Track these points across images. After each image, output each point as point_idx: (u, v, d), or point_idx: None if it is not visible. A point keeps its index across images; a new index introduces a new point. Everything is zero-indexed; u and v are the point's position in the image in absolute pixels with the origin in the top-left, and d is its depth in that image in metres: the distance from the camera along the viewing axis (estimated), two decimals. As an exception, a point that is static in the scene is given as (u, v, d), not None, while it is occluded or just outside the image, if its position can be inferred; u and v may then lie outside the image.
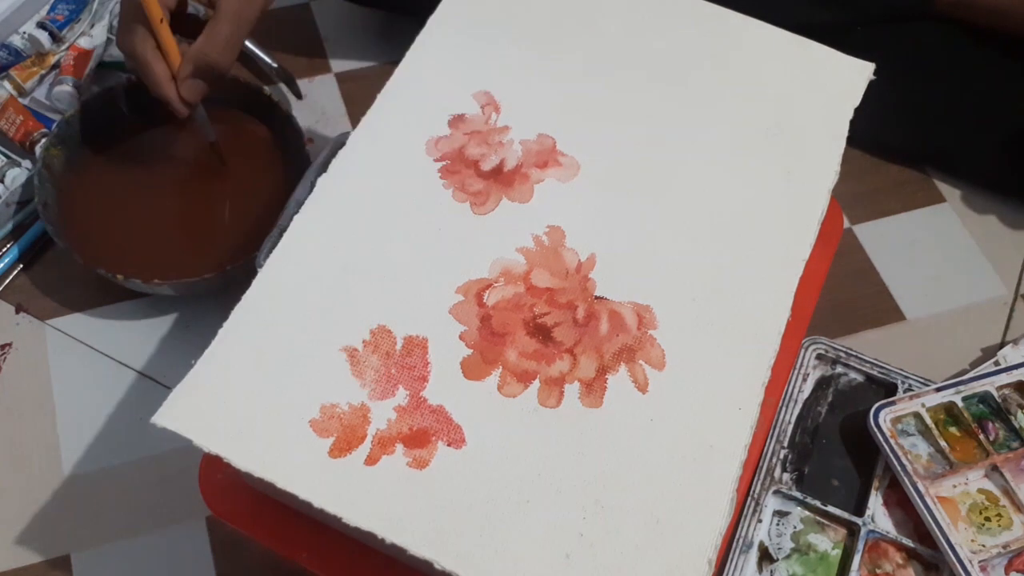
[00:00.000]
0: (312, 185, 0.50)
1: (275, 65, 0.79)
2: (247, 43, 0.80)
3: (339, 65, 0.82)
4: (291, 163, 0.72)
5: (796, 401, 0.61)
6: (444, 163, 0.51)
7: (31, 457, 0.62)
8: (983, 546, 0.56)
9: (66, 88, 0.73)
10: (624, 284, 0.48)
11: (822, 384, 0.63)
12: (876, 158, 0.78)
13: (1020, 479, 0.59)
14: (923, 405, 0.60)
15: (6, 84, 0.74)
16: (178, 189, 0.70)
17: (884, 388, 0.63)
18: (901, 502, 0.58)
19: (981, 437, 0.59)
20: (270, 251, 0.48)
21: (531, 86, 0.54)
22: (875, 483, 0.58)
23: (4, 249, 0.69)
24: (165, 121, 0.73)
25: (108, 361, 0.66)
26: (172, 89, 0.62)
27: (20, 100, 0.74)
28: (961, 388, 0.61)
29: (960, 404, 0.60)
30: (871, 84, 0.55)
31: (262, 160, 0.72)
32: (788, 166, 0.52)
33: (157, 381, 0.65)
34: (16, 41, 0.77)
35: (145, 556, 0.59)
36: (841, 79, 0.55)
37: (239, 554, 0.59)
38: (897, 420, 0.60)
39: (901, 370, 0.62)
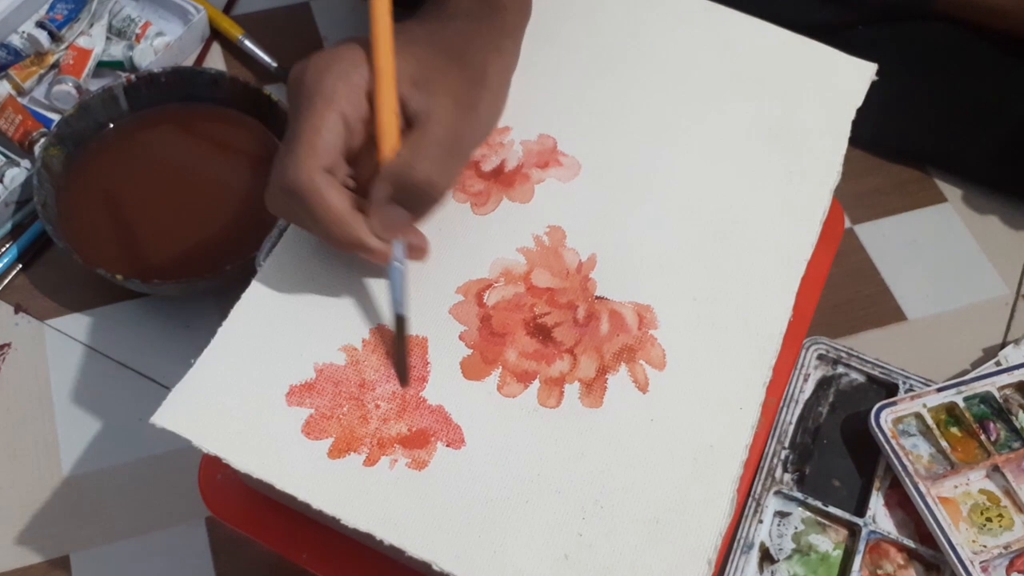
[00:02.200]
0: (312, 185, 0.50)
1: (275, 65, 0.79)
2: (247, 43, 0.79)
3: (339, 65, 0.81)
4: (291, 163, 0.71)
5: (797, 401, 0.61)
6: (444, 163, 0.51)
7: (31, 457, 0.62)
8: (984, 547, 0.56)
9: (65, 87, 0.73)
10: (625, 284, 0.48)
11: (823, 384, 0.63)
12: (877, 158, 0.78)
13: (1021, 479, 0.58)
14: (924, 405, 0.60)
15: (5, 83, 0.74)
16: (178, 189, 0.70)
17: (885, 388, 0.62)
18: (902, 503, 0.58)
19: (982, 437, 0.59)
20: (270, 251, 0.48)
21: (531, 86, 0.54)
22: (876, 483, 0.58)
23: (3, 249, 0.69)
24: (164, 121, 0.73)
25: (108, 361, 0.66)
26: (358, 224, 0.41)
27: (19, 99, 0.74)
28: (962, 388, 0.61)
29: (961, 404, 0.60)
30: (873, 83, 0.55)
31: (262, 160, 0.72)
32: (790, 166, 0.52)
33: (157, 381, 0.65)
34: (15, 40, 0.77)
35: (145, 556, 0.59)
36: (843, 79, 0.55)
37: (239, 554, 0.59)
38: (898, 420, 0.60)
39: (902, 370, 0.62)
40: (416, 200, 0.43)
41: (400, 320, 0.44)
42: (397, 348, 0.44)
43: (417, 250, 0.45)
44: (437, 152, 0.42)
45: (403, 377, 0.44)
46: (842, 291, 0.71)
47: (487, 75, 0.45)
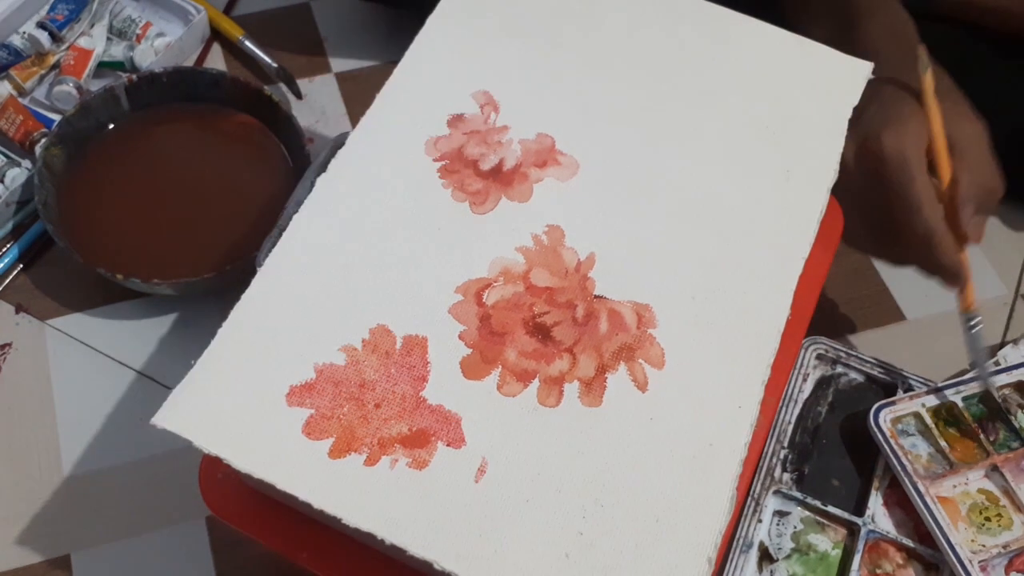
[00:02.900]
0: (312, 185, 0.50)
1: (275, 65, 0.79)
2: (247, 43, 0.80)
3: (339, 65, 0.82)
4: (291, 163, 0.72)
5: (796, 401, 0.61)
6: (443, 163, 0.51)
7: (31, 457, 0.62)
8: (983, 546, 0.56)
9: (66, 88, 0.73)
10: (623, 283, 0.48)
11: (822, 384, 0.63)
12: (876, 158, 0.78)
13: (1020, 479, 0.59)
14: (923, 405, 0.60)
15: (6, 84, 0.74)
16: (178, 189, 0.70)
17: (884, 388, 0.63)
18: (901, 502, 0.58)
19: (981, 437, 0.59)
20: (270, 251, 0.48)
21: (530, 85, 0.54)
22: (875, 483, 0.58)
23: (4, 249, 0.69)
24: (165, 121, 0.73)
25: (108, 361, 0.66)
26: (941, 226, 0.52)
27: (20, 100, 0.74)
28: (961, 388, 0.61)
29: (960, 404, 0.60)
30: (871, 83, 0.55)
31: (262, 160, 0.72)
32: (787, 165, 0.52)
33: (157, 381, 0.65)
34: (16, 41, 0.77)
35: (145, 556, 0.59)
36: (839, 78, 0.55)
37: (239, 554, 0.59)
38: (897, 420, 0.60)
39: (901, 370, 0.62)
40: (991, 205, 0.54)
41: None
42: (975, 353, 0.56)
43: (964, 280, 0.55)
44: (985, 165, 0.54)
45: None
46: (841, 291, 0.71)
47: (955, 90, 0.58)
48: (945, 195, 0.53)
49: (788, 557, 0.57)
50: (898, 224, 0.53)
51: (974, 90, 0.75)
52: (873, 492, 0.58)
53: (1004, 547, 0.56)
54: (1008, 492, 0.58)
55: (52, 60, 0.76)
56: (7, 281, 0.69)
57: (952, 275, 0.53)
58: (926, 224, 0.52)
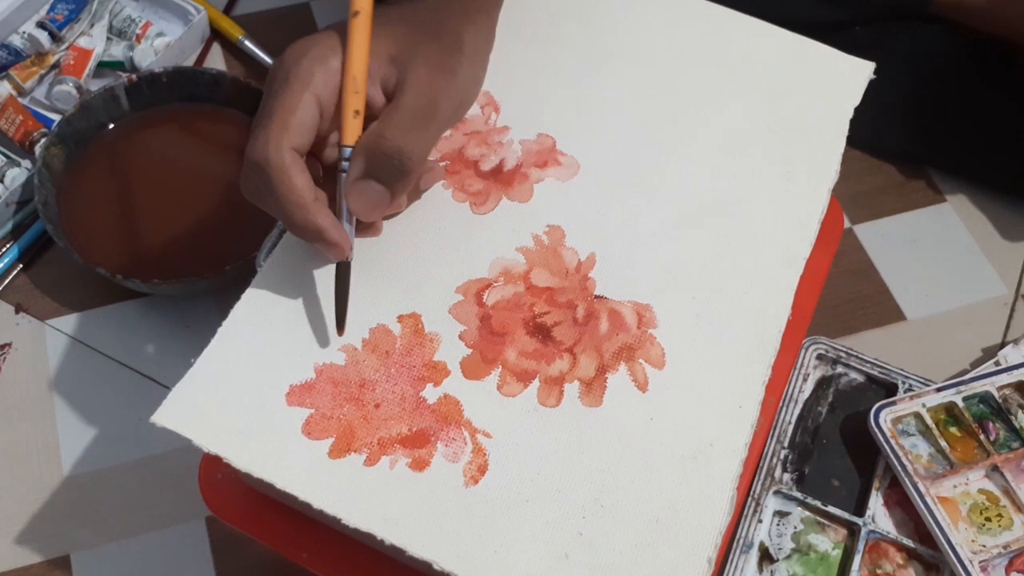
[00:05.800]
0: (312, 185, 0.50)
1: (275, 65, 0.79)
2: (247, 43, 0.80)
3: (339, 65, 0.82)
4: (291, 163, 0.71)
5: (796, 401, 0.61)
6: (444, 163, 0.51)
7: (31, 457, 0.62)
8: (984, 546, 0.56)
9: (66, 88, 0.73)
10: (624, 283, 0.48)
11: (822, 384, 0.63)
12: (876, 158, 0.78)
13: (1021, 479, 0.58)
14: (924, 405, 0.60)
15: (6, 84, 0.74)
16: (178, 189, 0.70)
17: (885, 388, 0.63)
18: (901, 502, 0.58)
19: (982, 437, 0.59)
20: (270, 251, 0.48)
21: (530, 86, 0.54)
22: (875, 483, 0.58)
23: (4, 249, 0.69)
24: (165, 121, 0.73)
25: (108, 361, 0.66)
26: (320, 212, 0.42)
27: (20, 100, 0.74)
28: (962, 388, 0.61)
29: (961, 404, 0.60)
30: (871, 84, 0.55)
31: (262, 160, 0.72)
32: (788, 165, 0.52)
33: (157, 381, 0.65)
34: (16, 41, 0.77)
35: (145, 556, 0.59)
36: (841, 78, 0.55)
37: (239, 554, 0.59)
38: (897, 420, 0.60)
39: (902, 370, 0.62)
40: (388, 172, 0.42)
41: (342, 267, 0.44)
42: (339, 295, 0.44)
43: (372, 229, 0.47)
44: (407, 120, 0.42)
45: (341, 324, 0.44)
46: (841, 291, 0.71)
47: (463, 42, 0.45)
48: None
49: (788, 557, 0.57)
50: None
51: (975, 90, 0.75)
52: (873, 492, 0.58)
53: (1004, 547, 0.56)
54: (1008, 492, 0.58)
55: (52, 60, 0.76)
56: (7, 281, 0.69)
57: (336, 253, 0.44)
58: (304, 224, 0.42)
